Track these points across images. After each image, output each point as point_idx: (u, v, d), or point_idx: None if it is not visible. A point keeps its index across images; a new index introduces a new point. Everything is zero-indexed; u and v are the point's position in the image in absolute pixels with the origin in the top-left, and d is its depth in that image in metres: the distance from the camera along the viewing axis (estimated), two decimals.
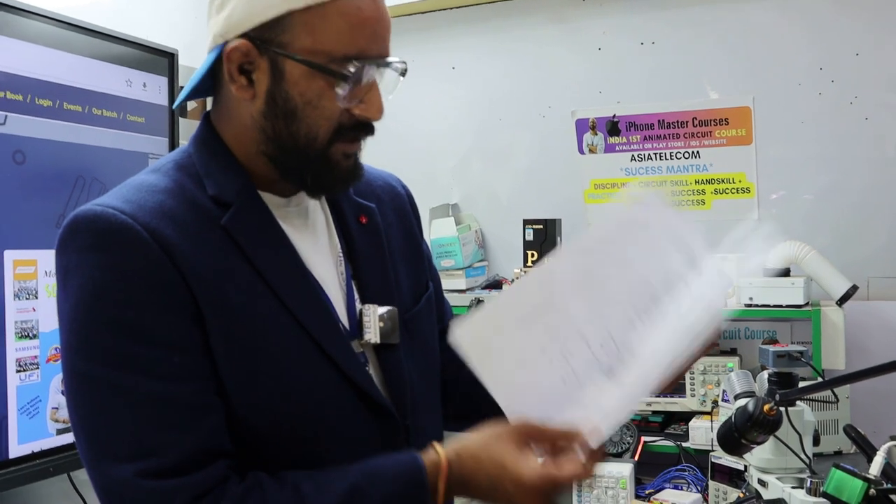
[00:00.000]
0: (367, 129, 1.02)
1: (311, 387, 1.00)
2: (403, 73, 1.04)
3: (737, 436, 1.54)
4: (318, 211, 1.11)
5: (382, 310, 1.09)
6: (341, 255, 1.10)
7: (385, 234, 1.16)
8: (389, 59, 1.00)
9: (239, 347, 0.97)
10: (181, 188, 1.01)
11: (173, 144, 2.60)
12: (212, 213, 1.00)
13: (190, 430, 0.93)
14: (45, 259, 2.12)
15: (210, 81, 1.06)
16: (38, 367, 2.09)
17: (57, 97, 2.16)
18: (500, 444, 0.96)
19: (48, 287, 2.12)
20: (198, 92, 1.07)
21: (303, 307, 1.01)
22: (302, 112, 0.98)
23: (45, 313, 2.11)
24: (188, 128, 2.92)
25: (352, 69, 0.96)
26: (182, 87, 2.30)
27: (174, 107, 1.12)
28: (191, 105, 3.00)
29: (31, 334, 2.07)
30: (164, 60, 2.57)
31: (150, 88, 2.51)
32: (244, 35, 0.97)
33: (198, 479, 0.92)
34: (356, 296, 1.09)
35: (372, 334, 1.08)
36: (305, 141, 0.99)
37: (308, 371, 1.00)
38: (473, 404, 1.06)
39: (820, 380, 1.95)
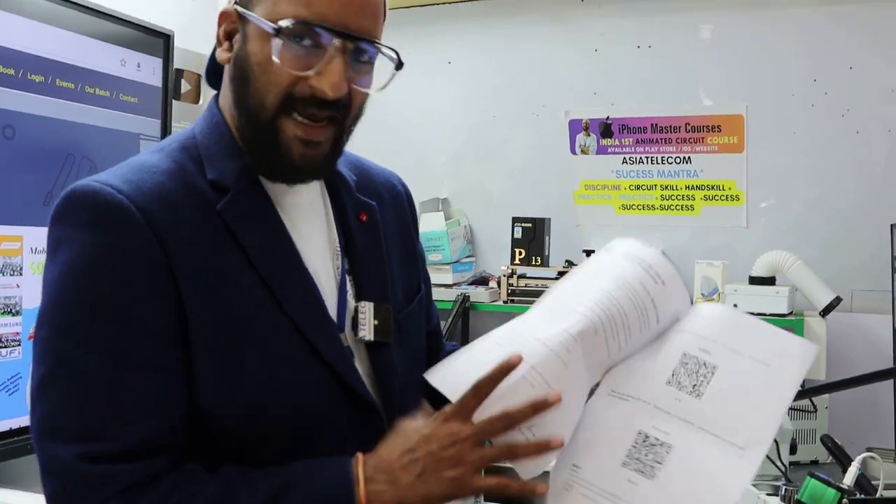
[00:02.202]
0: (322, 106, 0.96)
1: (295, 379, 0.99)
2: (398, 65, 1.01)
3: None
4: (319, 203, 1.09)
5: (378, 308, 1.08)
6: (339, 249, 1.09)
7: (384, 232, 1.15)
8: (357, 35, 0.96)
9: (223, 336, 0.96)
10: (182, 170, 1.00)
11: (165, 126, 2.59)
12: (209, 198, 0.99)
13: (140, 421, 0.92)
14: (31, 236, 2.11)
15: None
16: (19, 344, 2.08)
17: (49, 73, 2.15)
18: (407, 426, 0.97)
19: (33, 264, 2.11)
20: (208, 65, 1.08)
21: (292, 298, 1.00)
22: (254, 75, 0.96)
23: (29, 290, 2.10)
24: (181, 110, 2.90)
25: (294, 27, 0.93)
26: (176, 70, 2.29)
27: (207, 81, 1.10)
28: (184, 87, 2.99)
29: (13, 311, 2.06)
30: (159, 42, 2.55)
31: (144, 69, 2.50)
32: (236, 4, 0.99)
33: (132, 470, 0.90)
34: (349, 291, 1.08)
35: (367, 331, 1.06)
36: (256, 106, 0.97)
37: (293, 363, 0.99)
38: None
39: (799, 388, 1.96)
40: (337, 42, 0.94)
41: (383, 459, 0.95)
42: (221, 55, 1.01)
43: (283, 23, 0.92)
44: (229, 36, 1.00)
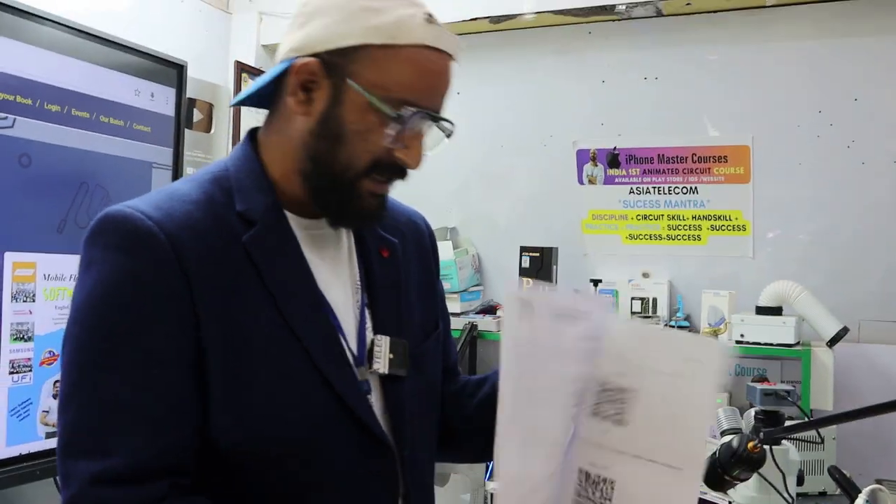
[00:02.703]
0: (400, 173, 1.04)
1: (306, 410, 1.00)
2: (449, 134, 1.07)
3: (720, 472, 1.54)
4: (342, 238, 1.12)
5: (394, 342, 1.10)
6: (359, 283, 1.11)
7: (404, 269, 1.17)
8: (442, 115, 1.04)
9: (237, 363, 0.98)
10: (210, 201, 1.03)
11: (178, 154, 2.62)
12: (235, 230, 1.02)
13: (148, 443, 0.94)
14: (45, 262, 2.13)
15: (270, 92, 1.08)
16: (30, 370, 2.10)
17: (65, 103, 2.19)
18: None
19: (45, 290, 2.14)
20: (255, 99, 1.09)
21: (309, 332, 1.02)
22: (349, 139, 1.00)
23: (41, 316, 2.12)
24: (193, 139, 2.94)
25: (405, 112, 0.99)
26: (189, 99, 2.32)
27: (230, 105, 1.13)
28: (197, 116, 3.03)
29: (25, 336, 2.08)
30: (172, 72, 2.60)
31: (157, 99, 2.54)
32: (316, 55, 1.00)
33: (137, 493, 0.93)
34: (368, 324, 1.10)
35: (381, 364, 1.08)
36: (342, 167, 1.02)
37: (305, 394, 1.00)
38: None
39: (806, 420, 1.96)
40: (427, 123, 1.03)
41: None
42: (295, 107, 1.02)
43: (404, 112, 0.99)
44: (307, 88, 1.01)
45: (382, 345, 1.09)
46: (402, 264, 1.17)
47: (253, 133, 1.12)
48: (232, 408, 0.98)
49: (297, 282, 1.03)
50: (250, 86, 1.09)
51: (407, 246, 1.20)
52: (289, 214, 1.06)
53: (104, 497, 0.92)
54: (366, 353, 1.08)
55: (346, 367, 1.04)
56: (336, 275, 1.09)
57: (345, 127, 1.00)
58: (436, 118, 1.03)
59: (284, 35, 1.06)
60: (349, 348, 1.06)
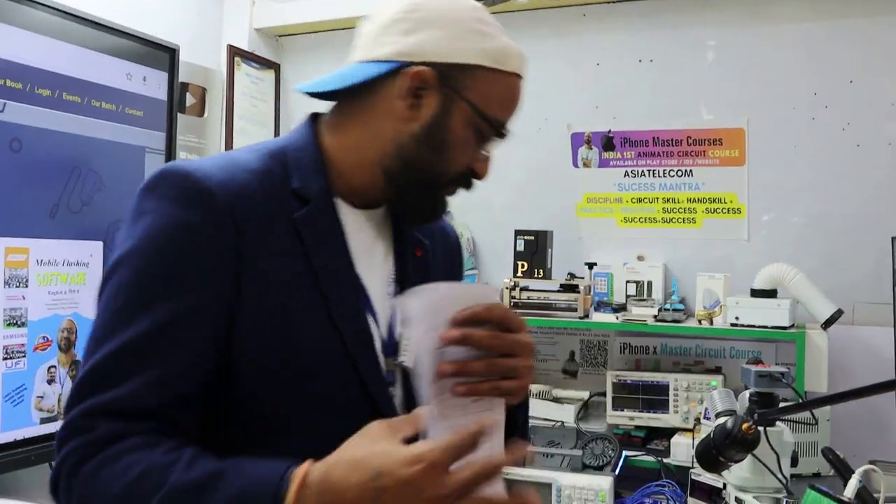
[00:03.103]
0: (470, 183, 1.13)
1: (331, 393, 1.04)
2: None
3: (715, 453, 1.56)
4: (381, 232, 1.17)
5: None
6: (392, 277, 1.16)
7: (433, 269, 1.24)
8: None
9: (273, 333, 1.01)
10: (269, 173, 1.06)
11: (171, 139, 2.61)
12: (288, 205, 1.06)
13: (156, 389, 0.96)
14: (37, 248, 2.13)
15: (357, 86, 1.09)
16: (24, 356, 2.09)
17: (56, 87, 2.17)
18: (361, 440, 0.91)
19: (38, 276, 2.13)
20: (330, 89, 1.11)
21: (346, 318, 1.06)
22: (450, 148, 1.08)
23: (35, 302, 2.12)
24: (186, 123, 2.93)
25: (497, 130, 1.10)
26: (181, 83, 2.29)
27: (301, 90, 1.15)
28: (189, 100, 3.01)
29: (19, 322, 2.08)
30: (165, 56, 2.58)
31: (150, 83, 2.52)
32: (429, 64, 1.05)
33: (115, 427, 0.94)
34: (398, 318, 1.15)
35: (408, 358, 1.10)
36: (437, 173, 1.09)
37: (332, 378, 1.04)
38: None
39: (800, 401, 1.97)
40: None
41: (334, 481, 0.88)
42: (404, 110, 1.07)
43: (504, 130, 1.11)
44: (416, 93, 1.06)
45: (410, 339, 1.11)
46: (432, 265, 1.23)
47: (314, 117, 1.16)
48: (260, 373, 1.01)
49: (340, 267, 1.08)
50: (336, 75, 1.11)
51: (436, 249, 1.26)
52: (338, 200, 1.10)
53: (93, 424, 0.94)
54: (393, 345, 1.12)
55: (374, 358, 1.08)
56: (372, 265, 1.13)
57: (450, 137, 1.07)
58: (508, 134, 1.14)
59: (377, 33, 1.09)
60: (381, 338, 1.10)
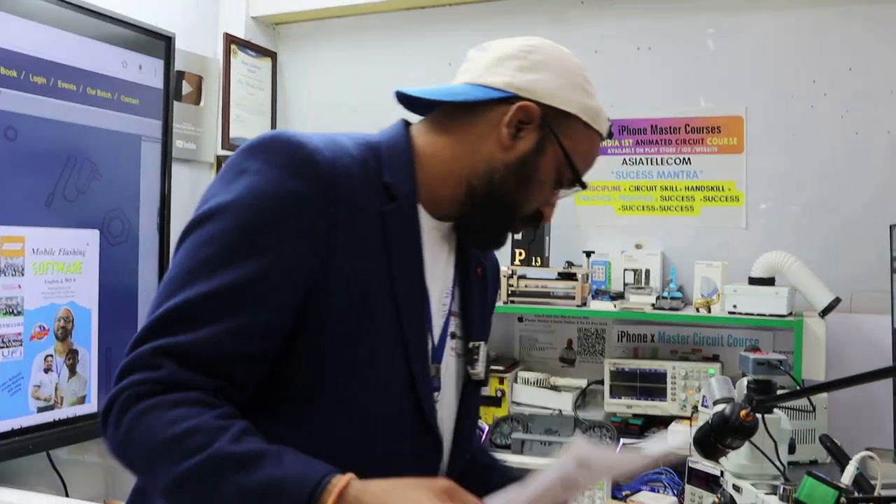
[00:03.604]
0: (537, 225, 1.21)
1: (383, 391, 1.07)
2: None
3: (713, 440, 1.55)
4: (449, 246, 1.21)
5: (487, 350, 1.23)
6: (450, 290, 1.20)
7: (489, 290, 1.32)
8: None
9: (345, 315, 1.03)
10: (364, 163, 1.09)
11: (167, 128, 2.60)
12: (378, 197, 1.09)
13: (225, 338, 0.97)
14: (33, 237, 2.12)
15: (464, 104, 1.14)
16: (21, 344, 2.09)
17: (51, 75, 2.16)
18: (409, 483, 0.95)
19: (35, 265, 2.12)
20: (439, 99, 1.16)
21: (410, 319, 1.09)
22: (533, 184, 1.14)
23: (31, 291, 2.11)
24: (182, 111, 2.92)
25: (577, 180, 1.16)
26: (178, 71, 2.28)
27: (405, 92, 1.20)
28: (186, 89, 3.00)
29: (15, 311, 2.07)
30: (160, 43, 2.57)
31: (145, 71, 2.51)
32: (537, 103, 1.12)
33: (185, 375, 0.95)
34: (451, 329, 1.20)
35: (480, 370, 1.21)
36: (515, 203, 1.15)
37: (388, 377, 1.07)
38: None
39: (798, 387, 1.96)
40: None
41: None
42: (506, 138, 1.12)
43: (586, 180, 1.17)
44: (519, 124, 1.12)
45: (481, 352, 1.21)
46: (490, 286, 1.31)
47: (405, 124, 1.19)
48: (318, 351, 1.02)
49: (414, 272, 1.12)
50: (444, 89, 1.16)
51: (489, 272, 1.33)
52: (419, 208, 1.14)
53: (160, 362, 0.95)
54: (441, 355, 1.17)
55: (427, 366, 1.13)
56: (436, 276, 1.17)
57: (537, 174, 1.13)
58: (579, 186, 1.19)
59: (492, 63, 1.15)
60: (432, 345, 1.14)
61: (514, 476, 1.13)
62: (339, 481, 0.90)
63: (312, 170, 1.02)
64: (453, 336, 1.20)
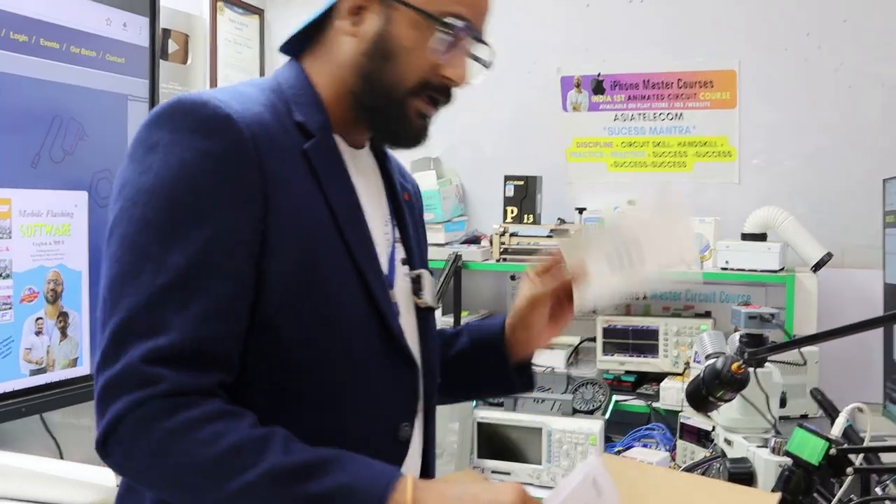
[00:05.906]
0: (445, 93, 1.11)
1: (352, 318, 1.06)
2: (487, 65, 1.14)
3: (704, 393, 1.56)
4: (375, 173, 1.19)
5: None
6: (388, 217, 1.18)
7: (419, 215, 1.29)
8: (483, 39, 1.11)
9: (298, 261, 1.01)
10: (274, 107, 1.06)
11: (153, 86, 2.56)
12: (295, 137, 1.06)
13: (205, 323, 0.95)
14: (19, 198, 2.09)
15: (317, 23, 1.12)
16: (10, 308, 2.08)
17: (33, 33, 2.12)
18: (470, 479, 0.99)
19: (22, 227, 2.10)
20: (304, 29, 1.13)
21: (359, 249, 1.07)
22: (399, 56, 1.06)
23: (19, 253, 2.09)
24: (169, 70, 2.87)
25: (451, 26, 1.06)
26: (164, 29, 2.23)
27: (280, 50, 1.19)
28: (172, 47, 2.95)
29: (4, 274, 2.05)
30: (145, 0, 2.52)
31: (130, 28, 2.46)
32: None
33: (186, 378, 0.93)
34: (398, 258, 1.18)
35: (428, 298, 1.19)
36: (392, 84, 1.07)
37: (352, 304, 1.06)
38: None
39: (790, 339, 1.97)
40: (472, 42, 1.10)
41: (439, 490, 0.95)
42: (346, 27, 1.07)
43: (452, 21, 1.05)
44: (357, 11, 1.07)
45: (426, 279, 1.19)
46: (417, 209, 1.28)
47: (297, 59, 1.16)
48: (288, 302, 1.00)
49: (352, 203, 1.09)
50: (301, 22, 1.13)
51: (412, 197, 1.29)
52: (336, 139, 1.11)
53: (157, 374, 0.92)
54: (397, 281, 1.15)
55: (386, 291, 1.11)
56: (370, 203, 1.14)
57: (394, 44, 1.06)
58: (478, 35, 1.10)
59: None
60: (385, 274, 1.12)
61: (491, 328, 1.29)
62: (406, 481, 0.92)
63: (224, 125, 0.98)
64: (403, 262, 1.19)
